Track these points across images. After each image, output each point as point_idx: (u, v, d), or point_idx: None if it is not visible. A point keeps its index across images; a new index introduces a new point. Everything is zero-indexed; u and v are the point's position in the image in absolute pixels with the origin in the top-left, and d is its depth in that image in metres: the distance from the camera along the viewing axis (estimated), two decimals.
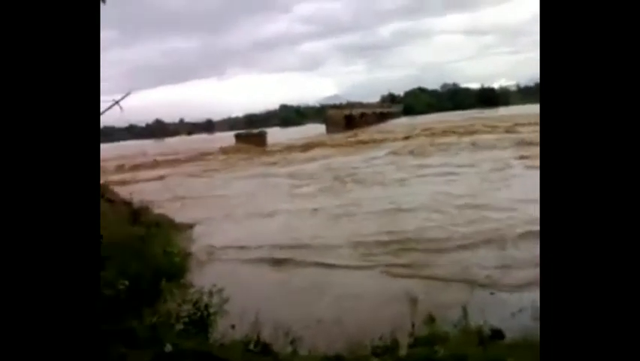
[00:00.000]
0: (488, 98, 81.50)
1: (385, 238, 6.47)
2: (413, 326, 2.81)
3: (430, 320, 2.77)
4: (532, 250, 4.70)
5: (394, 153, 18.54)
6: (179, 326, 2.25)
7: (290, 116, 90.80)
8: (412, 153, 17.68)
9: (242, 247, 6.91)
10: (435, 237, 6.35)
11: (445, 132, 25.40)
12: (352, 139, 27.55)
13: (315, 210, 9.48)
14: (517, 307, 3.07)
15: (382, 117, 69.35)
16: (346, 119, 49.87)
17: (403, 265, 5.22)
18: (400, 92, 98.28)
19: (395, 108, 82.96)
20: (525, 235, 5.55)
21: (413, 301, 2.63)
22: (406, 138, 25.45)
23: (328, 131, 45.17)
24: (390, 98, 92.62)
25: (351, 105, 55.02)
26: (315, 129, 53.35)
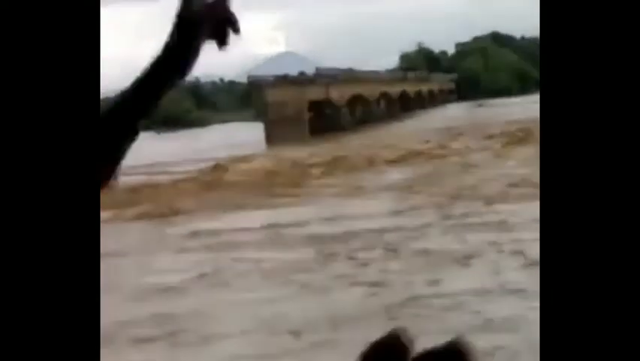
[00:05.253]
0: None
1: None
2: None
3: None
4: None
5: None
6: None
7: (177, 107, 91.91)
8: None
9: None
10: None
11: None
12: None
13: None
14: None
15: (406, 104, 69.96)
16: (314, 108, 50.48)
17: None
18: (445, 45, 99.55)
19: (437, 82, 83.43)
20: None
21: None
22: None
23: (271, 139, 45.87)
24: (425, 61, 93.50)
25: (328, 77, 54.04)
26: (237, 134, 53.79)
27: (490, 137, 33.40)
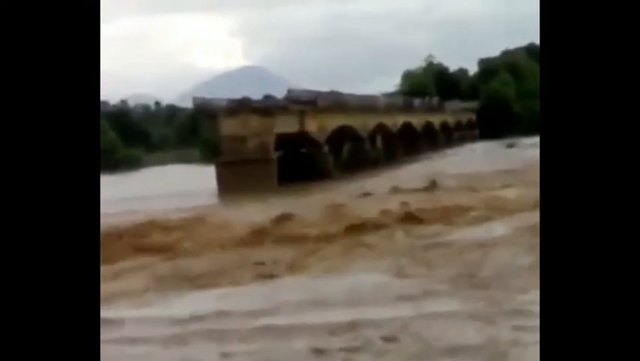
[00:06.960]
0: None
1: None
2: None
3: None
4: None
5: None
6: None
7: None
8: None
9: None
10: None
11: None
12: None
13: None
14: None
15: (411, 142, 70.22)
16: (285, 146, 52.04)
17: None
18: (464, 62, 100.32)
19: (453, 112, 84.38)
20: None
21: None
22: None
23: (224, 188, 47.38)
24: (436, 83, 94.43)
25: (303, 103, 54.83)
26: (178, 180, 56.09)
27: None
